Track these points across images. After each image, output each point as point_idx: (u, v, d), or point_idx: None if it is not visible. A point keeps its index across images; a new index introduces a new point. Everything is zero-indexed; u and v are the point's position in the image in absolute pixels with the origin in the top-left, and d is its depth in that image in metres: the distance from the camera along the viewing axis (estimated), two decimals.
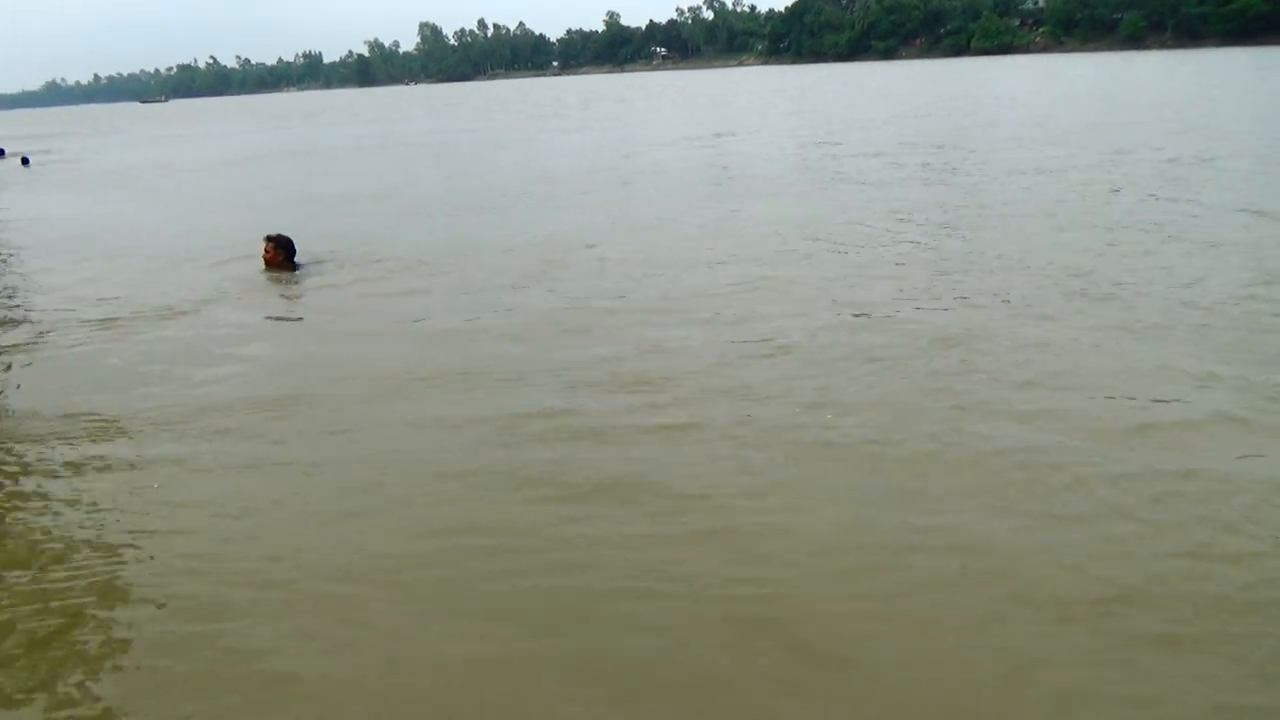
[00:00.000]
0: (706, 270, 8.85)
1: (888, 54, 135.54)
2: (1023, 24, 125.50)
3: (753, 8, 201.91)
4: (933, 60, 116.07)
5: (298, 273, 9.48)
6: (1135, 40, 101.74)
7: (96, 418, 5.48)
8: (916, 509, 4.05)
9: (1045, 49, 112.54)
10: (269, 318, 8.15)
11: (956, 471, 4.38)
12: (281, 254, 9.54)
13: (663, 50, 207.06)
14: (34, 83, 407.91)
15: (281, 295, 8.85)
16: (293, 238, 9.72)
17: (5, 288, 9.95)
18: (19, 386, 6.40)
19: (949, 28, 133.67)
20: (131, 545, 4.02)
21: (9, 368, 6.86)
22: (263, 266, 9.57)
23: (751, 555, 3.75)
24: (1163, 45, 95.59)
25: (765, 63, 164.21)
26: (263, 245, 9.61)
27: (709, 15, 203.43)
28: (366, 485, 4.52)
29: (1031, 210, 11.03)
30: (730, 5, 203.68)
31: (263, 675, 3.17)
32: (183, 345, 7.15)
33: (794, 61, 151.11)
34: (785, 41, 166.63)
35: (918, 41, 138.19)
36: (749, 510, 4.11)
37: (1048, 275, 7.90)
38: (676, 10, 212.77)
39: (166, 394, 5.91)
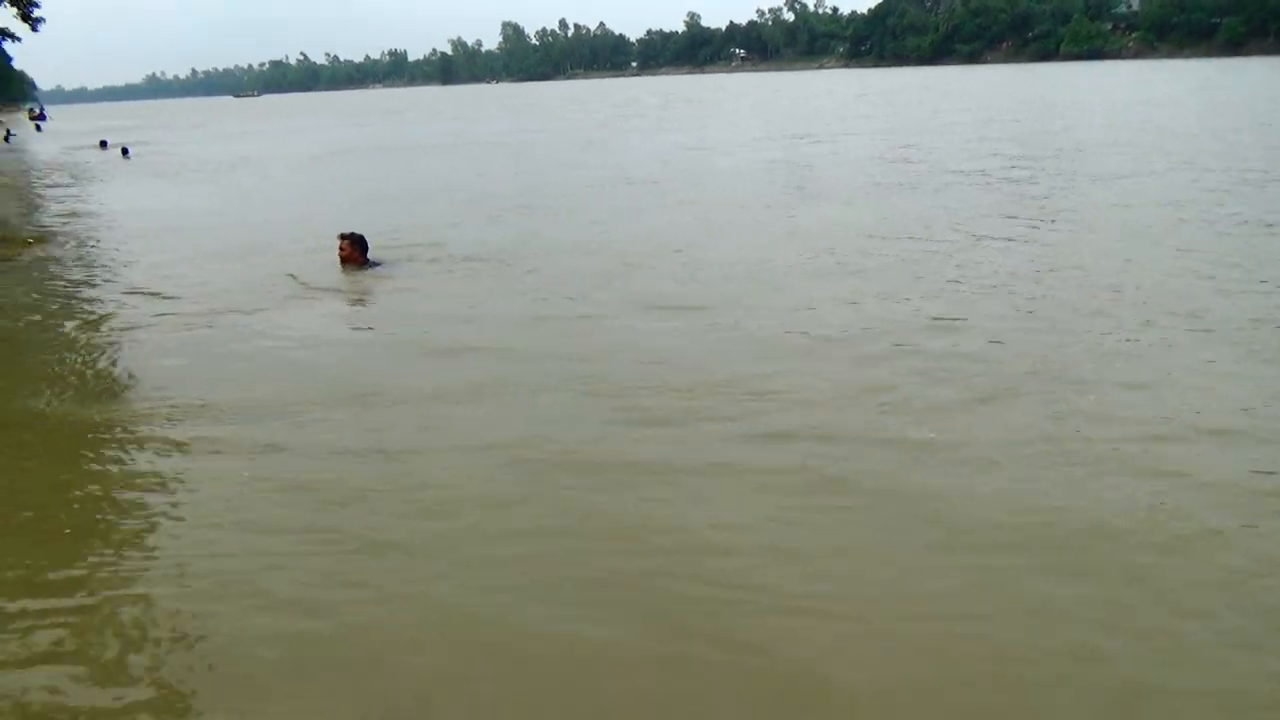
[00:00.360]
0: (791, 277, 8.65)
1: (972, 58, 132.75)
2: (1115, 28, 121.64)
3: (835, 9, 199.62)
4: (1019, 65, 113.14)
5: (373, 270, 9.65)
6: (1234, 46, 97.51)
7: (185, 406, 5.68)
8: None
9: (1138, 54, 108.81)
10: (343, 315, 8.33)
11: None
12: (356, 251, 9.72)
13: (742, 52, 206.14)
14: (136, 76, 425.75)
15: (356, 292, 9.02)
16: (369, 234, 9.93)
17: (102, 276, 10.43)
18: (114, 374, 6.71)
19: (1037, 31, 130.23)
20: (220, 527, 4.19)
21: (106, 356, 7.21)
22: (339, 263, 9.78)
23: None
24: (1264, 51, 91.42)
25: (846, 65, 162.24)
26: (338, 243, 9.81)
27: (790, 17, 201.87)
28: (448, 482, 4.60)
29: (1130, 229, 10.40)
30: (812, 7, 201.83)
31: (343, 660, 3.26)
32: (265, 338, 7.35)
33: (875, 65, 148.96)
34: (867, 44, 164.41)
35: (1004, 45, 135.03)
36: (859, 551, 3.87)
37: (1152, 300, 7.47)
38: (757, 12, 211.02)
39: (251, 386, 6.10)
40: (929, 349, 6.34)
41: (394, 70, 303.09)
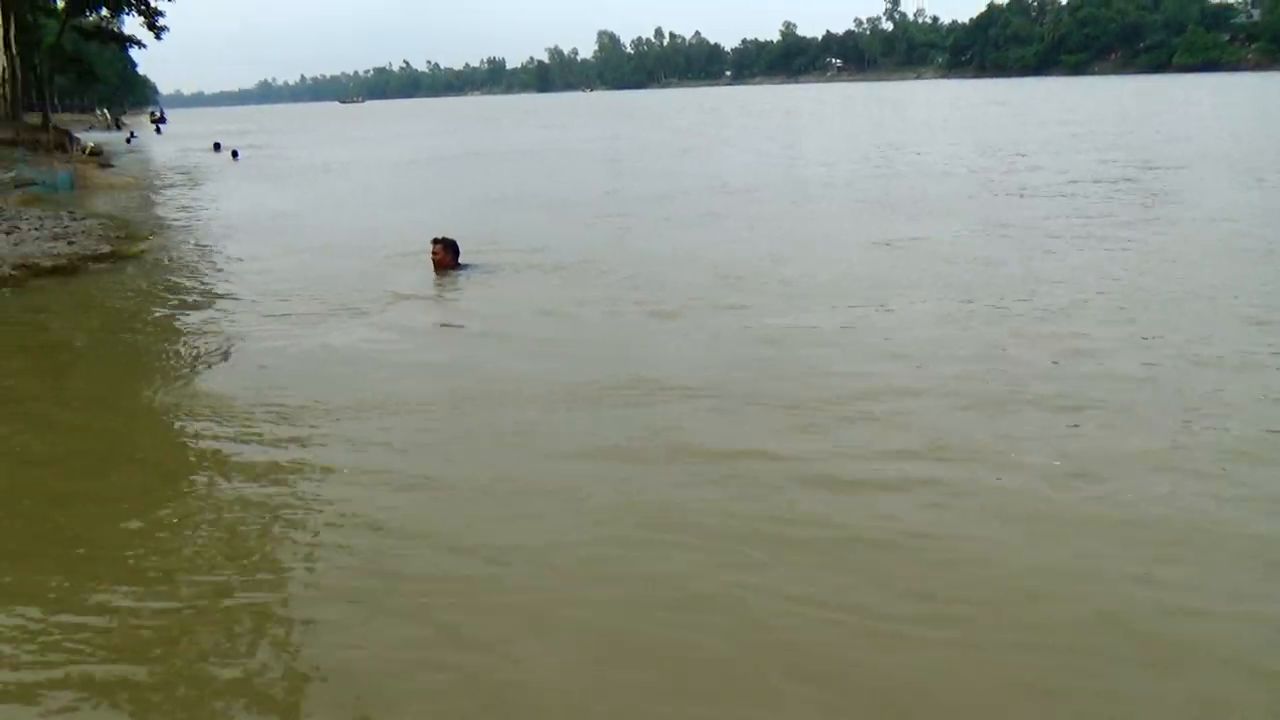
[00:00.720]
0: (892, 295, 8.38)
1: (1078, 69, 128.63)
2: (1233, 39, 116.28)
3: (935, 19, 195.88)
4: (1128, 76, 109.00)
5: (466, 273, 9.85)
6: None
7: (283, 403, 5.89)
8: None
9: (1258, 66, 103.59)
10: (435, 318, 8.51)
11: None
12: (448, 255, 9.94)
13: (838, 62, 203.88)
14: (249, 82, 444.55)
15: (447, 297, 9.22)
16: (463, 237, 10.15)
17: (212, 274, 10.91)
18: (218, 368, 7.01)
19: (1149, 42, 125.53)
20: (312, 525, 4.33)
21: (211, 351, 7.54)
22: (433, 267, 9.97)
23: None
24: None
25: (945, 76, 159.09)
26: (431, 247, 10.01)
27: (888, 26, 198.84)
28: (542, 486, 4.65)
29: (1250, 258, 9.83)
30: (911, 16, 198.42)
31: (444, 662, 3.31)
32: (360, 339, 7.58)
33: (976, 75, 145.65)
34: (967, 54, 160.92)
35: (1113, 56, 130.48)
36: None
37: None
38: (855, 21, 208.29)
39: (346, 384, 6.30)
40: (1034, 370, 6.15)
41: (492, 78, 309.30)
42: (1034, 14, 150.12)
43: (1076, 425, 5.15)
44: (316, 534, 4.20)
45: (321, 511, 4.40)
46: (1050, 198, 14.33)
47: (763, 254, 10.63)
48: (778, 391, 5.86)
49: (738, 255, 10.63)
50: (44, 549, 4.17)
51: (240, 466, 5.00)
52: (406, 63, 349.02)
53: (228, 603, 3.66)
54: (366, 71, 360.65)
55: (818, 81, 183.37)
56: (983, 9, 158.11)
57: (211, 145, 38.72)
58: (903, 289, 8.58)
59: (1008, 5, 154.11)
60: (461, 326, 8.04)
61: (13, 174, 25.17)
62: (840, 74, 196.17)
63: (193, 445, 5.39)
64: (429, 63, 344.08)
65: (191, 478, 4.90)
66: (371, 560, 3.94)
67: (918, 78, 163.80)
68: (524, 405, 5.75)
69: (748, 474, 4.67)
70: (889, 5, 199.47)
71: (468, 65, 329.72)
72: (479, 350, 7.26)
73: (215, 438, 5.41)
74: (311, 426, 5.46)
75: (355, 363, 6.89)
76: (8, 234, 13.86)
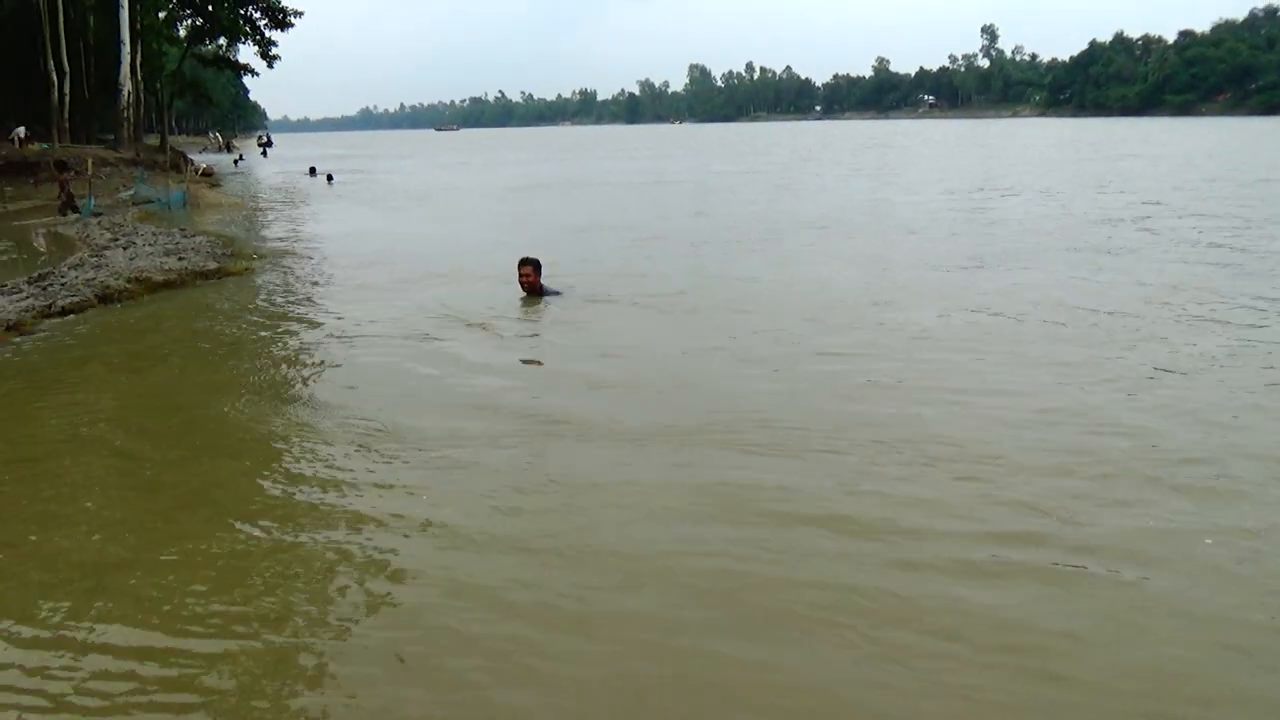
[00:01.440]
0: (996, 345, 7.83)
1: (1184, 109, 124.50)
2: None
3: (1033, 56, 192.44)
4: (1237, 118, 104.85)
5: (553, 301, 9.90)
6: None
7: (365, 425, 6.02)
8: None
9: None
10: (523, 350, 8.44)
11: None
12: (538, 276, 10.00)
13: (930, 98, 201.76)
14: (351, 109, 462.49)
15: (536, 327, 9.25)
16: (553, 265, 10.26)
17: (305, 295, 11.37)
18: (303, 387, 7.31)
19: (1262, 83, 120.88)
20: (395, 549, 4.44)
21: (299, 369, 7.88)
22: (520, 290, 10.06)
23: None
24: None
25: (1042, 114, 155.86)
26: (520, 269, 10.07)
27: (984, 63, 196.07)
28: (619, 519, 4.65)
29: None
30: (1009, 54, 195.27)
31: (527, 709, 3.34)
32: (446, 364, 7.66)
33: (1074, 114, 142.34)
34: (1066, 93, 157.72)
35: (1221, 97, 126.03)
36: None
37: None
38: (949, 58, 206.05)
39: (429, 409, 6.46)
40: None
41: (583, 109, 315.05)
42: (1138, 53, 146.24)
43: (1246, 526, 4.36)
44: (371, 584, 4.05)
45: (384, 559, 4.26)
46: (1184, 244, 13.72)
47: (861, 294, 10.31)
48: (867, 445, 5.49)
49: (834, 294, 10.32)
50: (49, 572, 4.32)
51: (307, 482, 5.13)
52: (501, 93, 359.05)
53: (268, 640, 3.62)
54: (462, 101, 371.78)
55: (909, 117, 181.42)
56: (1084, 47, 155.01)
57: (307, 170, 40.31)
58: (1009, 341, 8.01)
59: (1110, 43, 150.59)
60: (543, 363, 7.86)
61: (132, 192, 26.69)
62: (933, 110, 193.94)
63: (269, 466, 5.53)
64: (523, 93, 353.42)
65: (260, 499, 5.00)
66: (418, 616, 3.77)
67: (1013, 115, 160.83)
68: (602, 452, 5.57)
69: (829, 544, 4.28)
70: (986, 42, 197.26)
71: (560, 96, 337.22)
72: (561, 388, 7.09)
73: (293, 459, 5.54)
74: (389, 459, 5.47)
75: (439, 392, 6.94)
76: (125, 249, 14.71)
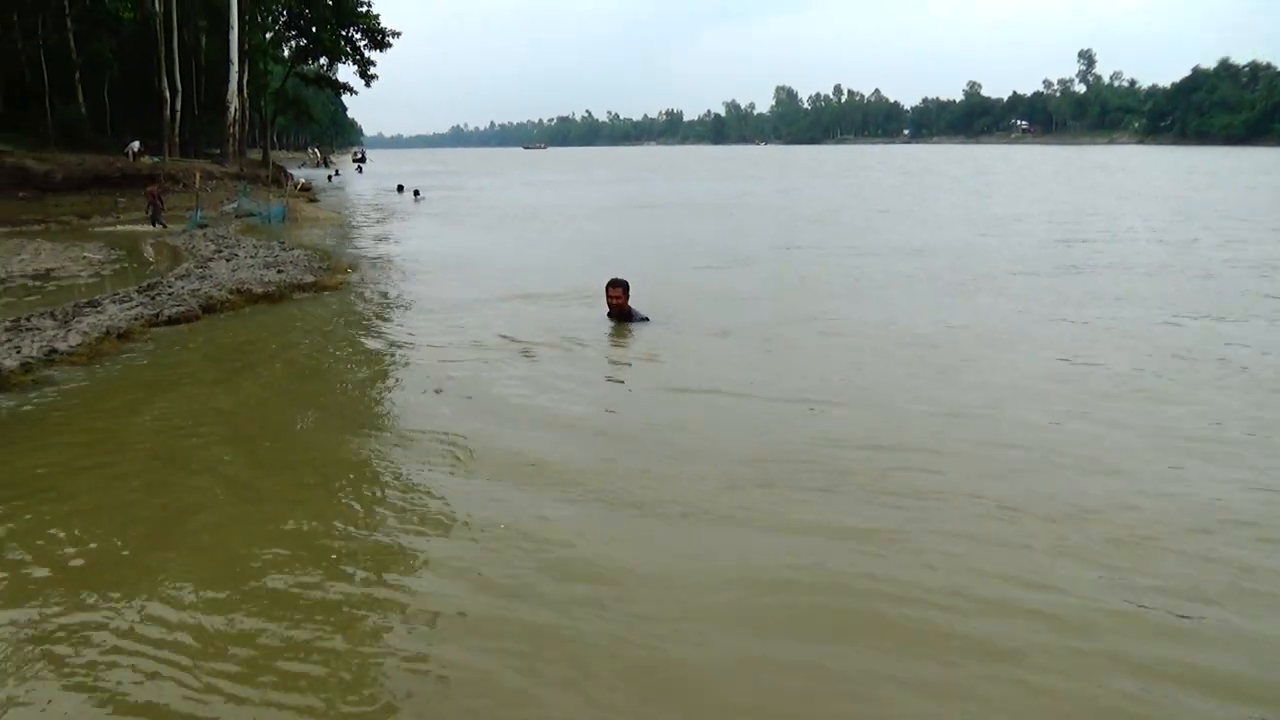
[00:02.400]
0: (1114, 392, 7.21)
1: None
2: None
3: (1132, 82, 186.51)
4: None
5: (641, 327, 9.76)
6: None
7: (437, 447, 6.08)
8: None
9: None
10: (609, 374, 8.47)
11: None
12: (626, 297, 9.91)
13: (1023, 123, 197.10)
14: (443, 127, 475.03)
15: (624, 352, 9.19)
16: (645, 290, 10.15)
17: (394, 310, 11.68)
18: (377, 406, 7.51)
19: None
20: (463, 573, 4.51)
21: (375, 387, 8.10)
22: (608, 310, 9.99)
23: None
24: None
25: (1140, 141, 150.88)
26: (609, 291, 9.93)
27: (1081, 89, 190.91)
28: (704, 568, 4.60)
29: None
30: (1107, 80, 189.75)
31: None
32: (524, 385, 7.69)
33: (1175, 142, 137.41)
34: (1168, 120, 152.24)
35: None
36: None
37: None
38: (1044, 83, 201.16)
39: (505, 432, 6.53)
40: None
41: (669, 129, 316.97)
42: (1244, 80, 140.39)
43: None
44: (452, 584, 4.21)
45: (456, 557, 4.42)
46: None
47: (965, 328, 9.78)
48: (972, 500, 5.09)
49: (936, 329, 9.71)
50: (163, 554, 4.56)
51: (373, 504, 5.22)
52: (588, 112, 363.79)
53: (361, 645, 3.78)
54: (550, 119, 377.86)
55: (1001, 142, 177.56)
56: (1185, 74, 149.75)
57: (396, 187, 41.37)
58: (1130, 389, 7.39)
59: (1215, 70, 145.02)
60: (631, 390, 7.82)
61: (235, 205, 27.86)
62: (1025, 136, 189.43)
63: (358, 477, 5.67)
64: (609, 113, 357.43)
65: (343, 515, 5.10)
66: (505, 625, 3.87)
67: (1110, 142, 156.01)
68: (693, 481, 5.45)
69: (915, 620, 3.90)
70: (1083, 67, 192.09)
71: (646, 116, 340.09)
72: (642, 410, 7.11)
73: (338, 473, 5.67)
74: (456, 472, 5.58)
75: (522, 410, 6.98)
76: (228, 260, 15.35)
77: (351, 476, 5.72)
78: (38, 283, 13.89)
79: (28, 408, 7.06)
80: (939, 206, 29.32)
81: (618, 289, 9.93)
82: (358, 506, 5.21)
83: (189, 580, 4.30)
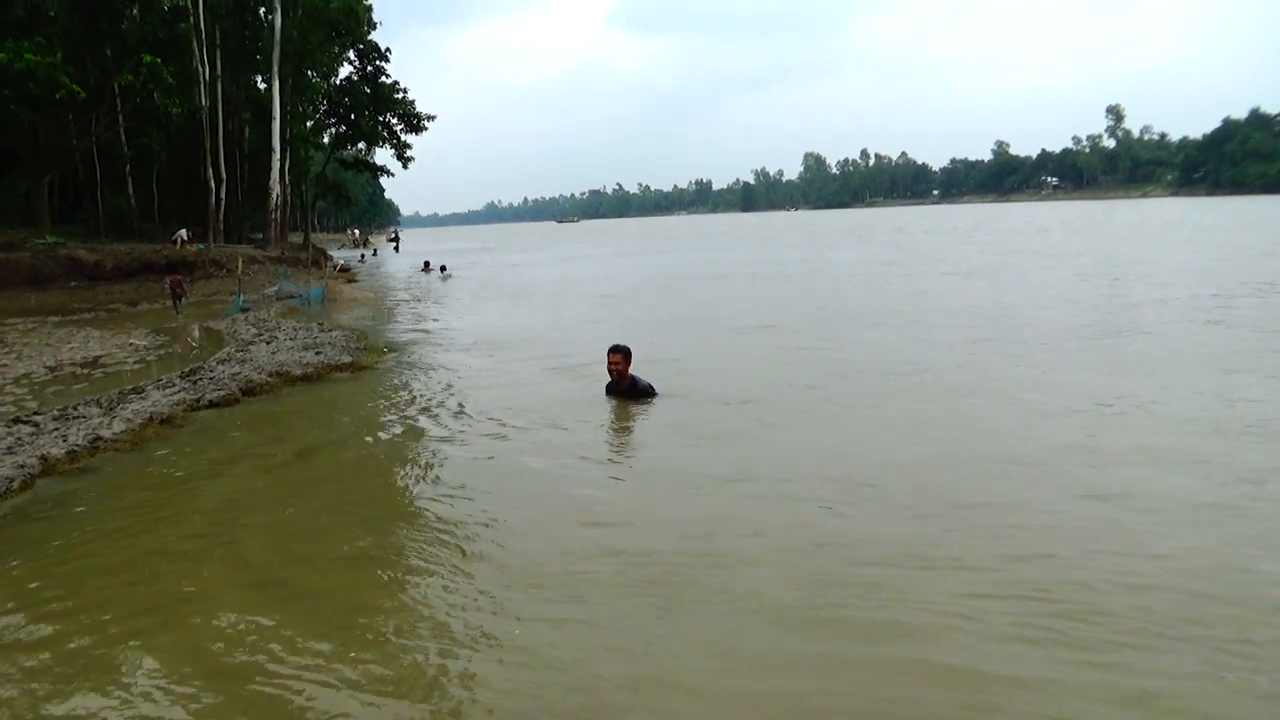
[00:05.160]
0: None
1: None
2: None
3: (1163, 135, 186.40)
4: None
5: (650, 402, 9.51)
6: None
7: (467, 527, 6.13)
8: None
9: None
10: (625, 451, 8.44)
11: None
12: (627, 365, 9.63)
13: (1054, 180, 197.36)
14: (477, 204, 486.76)
15: (638, 425, 9.06)
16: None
17: (428, 390, 11.81)
18: (428, 487, 7.58)
19: None
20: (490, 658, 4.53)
21: (424, 468, 8.18)
22: (610, 379, 9.76)
23: None
24: None
25: (1174, 194, 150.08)
26: (610, 357, 9.67)
27: (1110, 144, 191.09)
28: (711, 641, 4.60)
29: None
30: (1137, 134, 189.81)
31: None
32: (553, 470, 7.60)
33: (1209, 193, 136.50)
34: (1200, 171, 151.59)
35: None
36: None
37: None
38: (1073, 139, 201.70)
39: (534, 511, 6.57)
40: None
41: (699, 198, 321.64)
42: (1277, 129, 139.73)
43: None
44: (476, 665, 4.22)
45: (481, 643, 4.42)
46: None
47: (1004, 420, 8.51)
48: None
49: (1017, 439, 7.79)
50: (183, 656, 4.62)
51: (398, 587, 5.24)
52: (619, 184, 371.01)
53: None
54: (582, 193, 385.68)
55: (1032, 200, 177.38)
56: (1216, 125, 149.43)
57: (422, 265, 40.23)
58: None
59: (1245, 120, 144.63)
60: (648, 464, 7.78)
61: (276, 288, 28.62)
62: (1056, 192, 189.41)
63: (383, 561, 5.69)
64: (640, 184, 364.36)
65: (373, 604, 5.15)
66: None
67: (1143, 195, 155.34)
68: (707, 567, 5.28)
69: None
70: (1111, 122, 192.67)
71: (676, 186, 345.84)
72: (654, 491, 7.00)
73: (367, 565, 5.66)
74: (488, 553, 5.60)
75: (549, 495, 6.89)
76: (268, 343, 15.73)
77: (377, 566, 5.78)
78: (85, 370, 14.31)
79: (70, 500, 7.24)
80: (990, 270, 28.96)
81: (618, 354, 9.67)
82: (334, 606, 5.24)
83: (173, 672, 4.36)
